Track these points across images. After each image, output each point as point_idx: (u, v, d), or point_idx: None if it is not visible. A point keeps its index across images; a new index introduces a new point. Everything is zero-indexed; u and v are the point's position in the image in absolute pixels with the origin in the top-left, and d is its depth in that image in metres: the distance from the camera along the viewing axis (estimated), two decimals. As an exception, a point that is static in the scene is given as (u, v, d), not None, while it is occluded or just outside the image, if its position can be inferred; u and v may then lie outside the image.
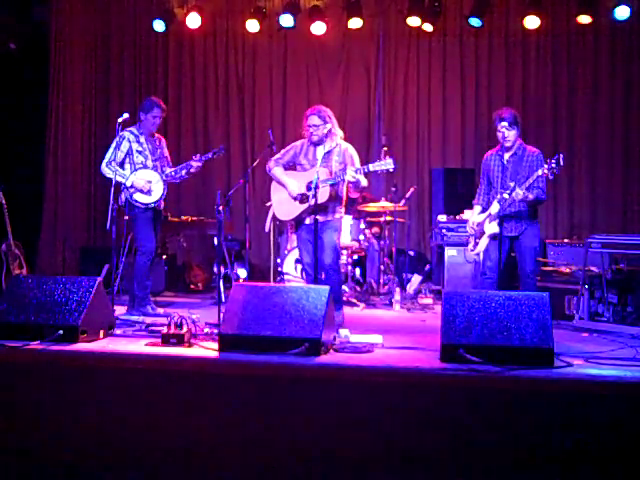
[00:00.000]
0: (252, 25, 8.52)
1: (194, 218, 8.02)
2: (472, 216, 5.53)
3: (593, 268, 5.53)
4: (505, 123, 5.17)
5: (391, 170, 5.05)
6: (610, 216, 8.43)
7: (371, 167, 5.04)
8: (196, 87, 9.22)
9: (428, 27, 8.33)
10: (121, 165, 5.68)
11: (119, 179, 5.56)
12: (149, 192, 5.59)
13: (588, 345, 4.46)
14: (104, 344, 4.06)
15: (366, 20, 8.40)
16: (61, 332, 3.92)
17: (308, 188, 5.18)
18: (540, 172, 4.88)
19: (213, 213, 5.67)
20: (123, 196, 5.64)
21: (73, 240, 8.86)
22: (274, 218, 5.60)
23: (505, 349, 3.61)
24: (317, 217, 5.05)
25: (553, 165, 4.78)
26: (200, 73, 9.21)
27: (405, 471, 3.42)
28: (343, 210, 5.43)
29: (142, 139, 5.72)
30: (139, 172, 5.63)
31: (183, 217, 7.99)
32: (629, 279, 5.32)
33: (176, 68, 9.22)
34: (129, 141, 5.69)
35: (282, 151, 5.50)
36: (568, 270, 6.13)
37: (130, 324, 4.94)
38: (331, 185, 5.14)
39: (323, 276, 5.22)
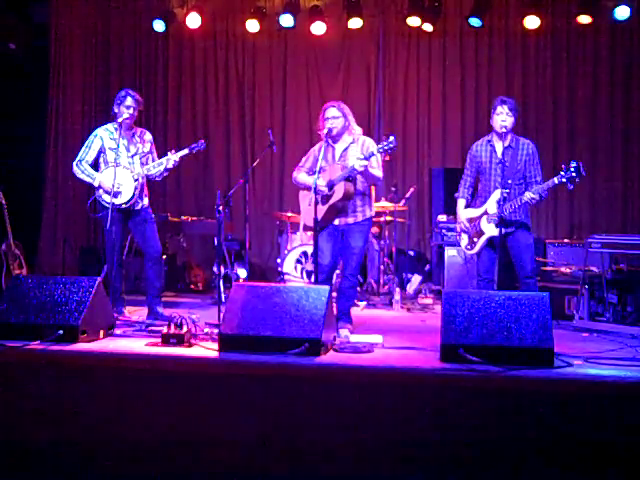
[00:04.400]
0: (252, 25, 8.53)
1: (194, 218, 8.02)
2: (460, 211, 5.28)
3: (593, 268, 5.53)
4: (506, 106, 4.94)
5: (392, 146, 4.77)
6: (610, 216, 8.43)
7: (374, 149, 4.85)
8: (196, 87, 9.23)
9: (428, 27, 8.34)
10: (96, 163, 5.50)
11: (86, 179, 5.43)
12: (116, 193, 5.31)
13: (588, 345, 4.46)
14: (104, 344, 4.05)
15: (366, 20, 8.41)
16: (61, 332, 3.92)
17: (329, 186, 5.00)
18: (556, 180, 4.67)
19: (213, 213, 5.65)
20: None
21: (73, 240, 8.86)
22: (305, 227, 5.38)
23: (505, 349, 3.61)
24: (341, 218, 5.02)
25: (573, 174, 4.58)
26: (200, 73, 9.21)
27: (405, 471, 3.42)
28: (370, 210, 5.14)
29: (117, 135, 5.42)
30: (107, 171, 5.37)
31: (183, 217, 7.99)
32: (629, 279, 5.32)
33: (176, 68, 9.22)
34: (101, 139, 5.48)
35: (303, 159, 5.32)
36: (568, 270, 6.13)
37: (130, 324, 4.94)
38: (346, 180, 4.93)
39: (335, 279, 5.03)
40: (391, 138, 4.80)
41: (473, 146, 5.27)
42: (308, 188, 5.08)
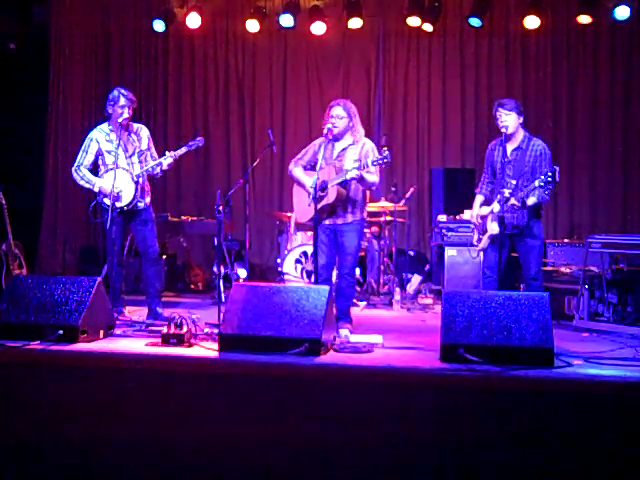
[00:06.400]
0: (252, 25, 8.52)
1: (194, 218, 8.02)
2: (475, 207, 5.35)
3: (593, 268, 5.53)
4: (502, 109, 4.99)
5: (386, 161, 4.82)
6: (610, 216, 8.43)
7: (369, 161, 4.87)
8: (196, 87, 9.22)
9: (428, 27, 8.33)
10: (95, 167, 5.48)
11: (86, 186, 5.42)
12: (118, 197, 5.29)
13: (588, 345, 4.46)
14: (104, 344, 4.06)
15: (366, 20, 8.40)
16: (61, 332, 3.92)
17: (322, 187, 4.99)
18: (537, 184, 4.68)
19: (213, 213, 5.65)
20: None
21: (73, 240, 8.86)
22: (297, 223, 5.41)
23: (505, 349, 3.61)
24: (331, 219, 5.04)
25: (549, 179, 4.59)
26: (200, 73, 9.21)
27: (405, 471, 3.42)
28: (361, 214, 5.16)
29: (113, 136, 5.39)
30: (107, 175, 5.35)
31: (183, 217, 7.99)
32: (629, 279, 5.32)
33: (176, 68, 9.22)
34: (97, 142, 5.45)
35: (302, 151, 5.33)
36: (568, 270, 6.13)
37: (130, 324, 4.94)
38: (339, 184, 4.96)
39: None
40: (386, 152, 4.84)
41: (489, 144, 5.35)
42: (300, 183, 5.18)
